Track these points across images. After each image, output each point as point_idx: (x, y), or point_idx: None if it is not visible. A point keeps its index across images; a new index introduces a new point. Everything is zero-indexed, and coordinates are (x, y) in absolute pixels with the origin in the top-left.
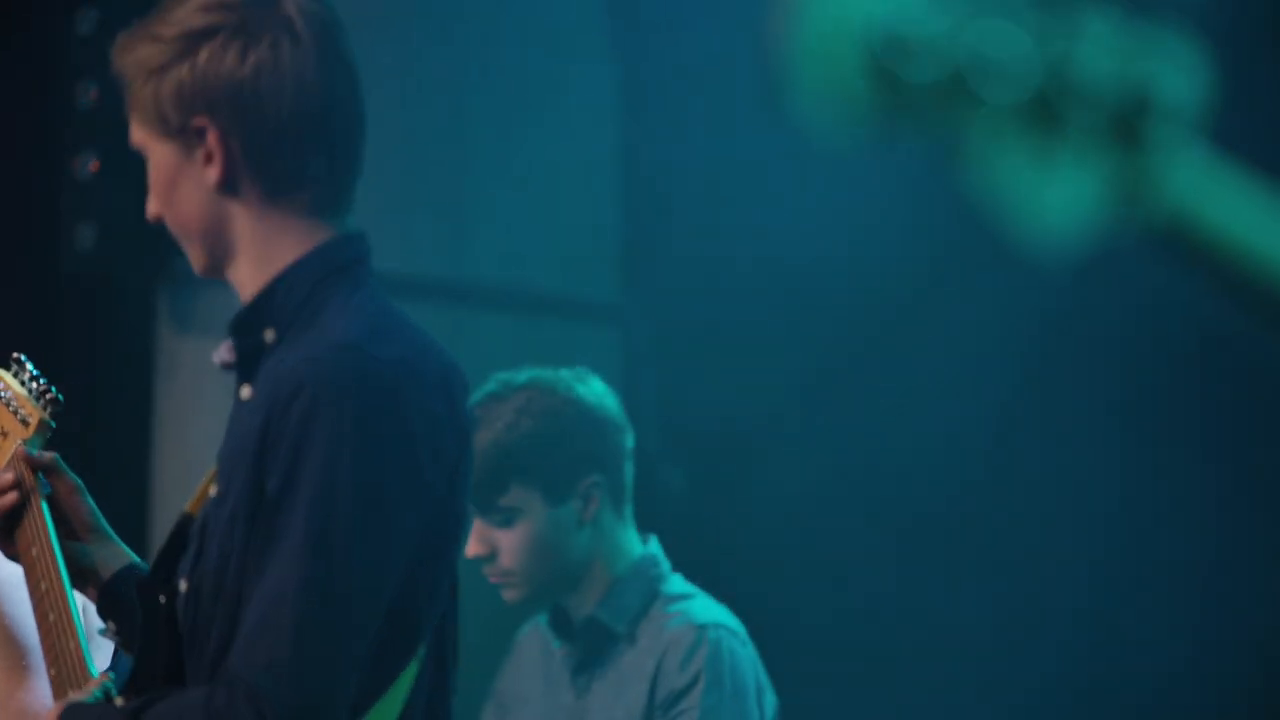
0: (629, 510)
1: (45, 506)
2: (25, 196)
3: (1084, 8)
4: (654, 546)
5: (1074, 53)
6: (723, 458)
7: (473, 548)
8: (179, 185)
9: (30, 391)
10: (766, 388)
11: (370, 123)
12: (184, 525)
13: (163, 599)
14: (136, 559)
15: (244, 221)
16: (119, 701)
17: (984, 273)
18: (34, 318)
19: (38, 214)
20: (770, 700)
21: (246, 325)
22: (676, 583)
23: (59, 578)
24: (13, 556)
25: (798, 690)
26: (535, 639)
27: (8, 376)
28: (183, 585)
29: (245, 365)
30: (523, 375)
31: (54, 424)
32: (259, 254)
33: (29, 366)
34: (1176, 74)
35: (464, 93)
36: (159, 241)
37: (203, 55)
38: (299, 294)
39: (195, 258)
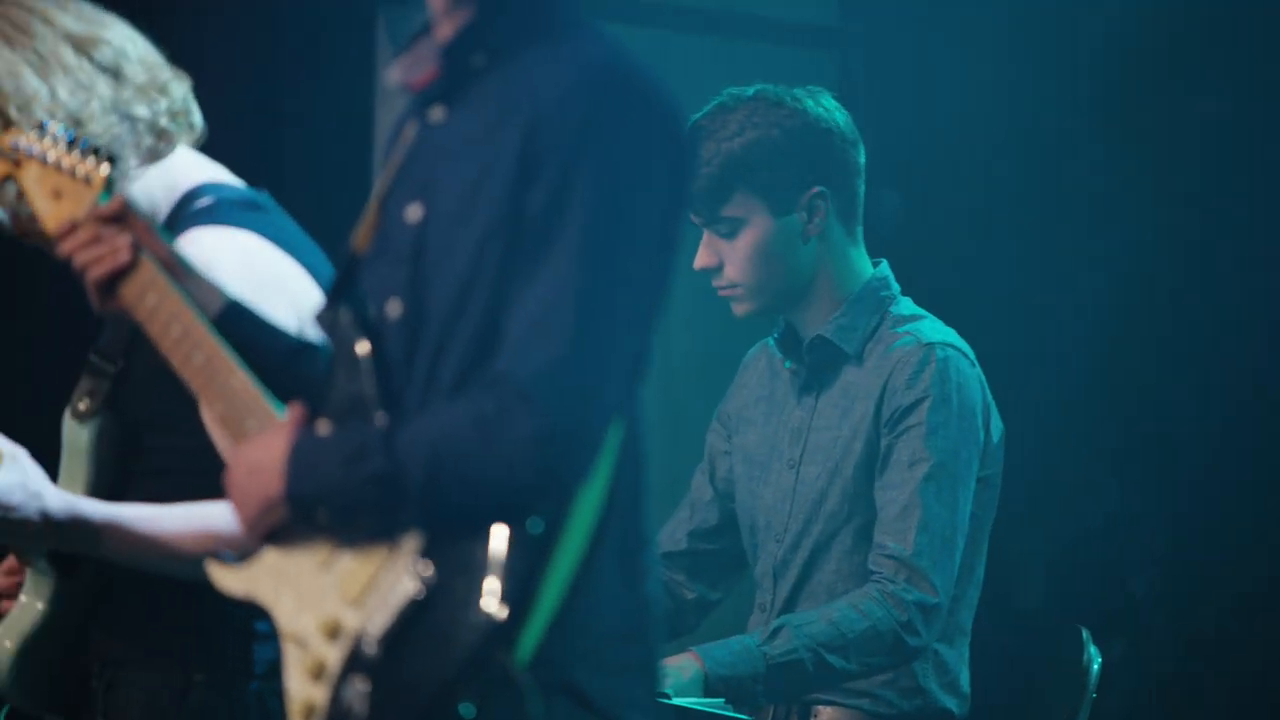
0: (859, 231)
1: (147, 254)
2: None
3: None
4: (885, 269)
5: None
6: (936, 182)
7: (701, 259)
8: None
9: (72, 150)
10: (984, 115)
11: None
12: (353, 254)
13: (355, 326)
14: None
15: None
16: (323, 430)
17: None
18: (254, 39)
19: None
20: (997, 424)
21: (459, 48)
22: (906, 305)
23: (194, 319)
24: (120, 311)
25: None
26: (762, 360)
27: (42, 142)
28: (393, 310)
29: (447, 88)
30: (751, 89)
31: (112, 175)
32: None
33: (53, 128)
34: None
35: None
36: None
37: None
38: (514, 18)
39: None
